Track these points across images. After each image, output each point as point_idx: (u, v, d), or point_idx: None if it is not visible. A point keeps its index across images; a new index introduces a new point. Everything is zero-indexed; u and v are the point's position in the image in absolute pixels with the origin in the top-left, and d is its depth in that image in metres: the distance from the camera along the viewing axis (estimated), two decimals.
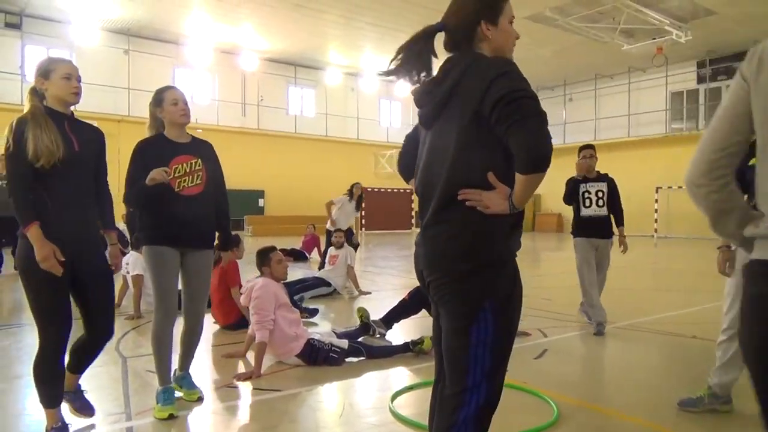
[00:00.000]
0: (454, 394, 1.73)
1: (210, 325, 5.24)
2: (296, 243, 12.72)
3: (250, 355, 4.23)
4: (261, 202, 23.99)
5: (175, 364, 3.45)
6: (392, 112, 28.55)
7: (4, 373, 4.05)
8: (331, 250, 7.84)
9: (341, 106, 26.42)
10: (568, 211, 5.53)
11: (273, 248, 4.48)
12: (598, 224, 5.38)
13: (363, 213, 22.32)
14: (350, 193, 9.30)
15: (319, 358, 4.12)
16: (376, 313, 5.24)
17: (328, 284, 7.45)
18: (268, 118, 24.29)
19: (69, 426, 2.79)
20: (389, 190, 25.38)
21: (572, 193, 5.44)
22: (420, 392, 3.59)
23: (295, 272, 8.49)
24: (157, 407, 3.14)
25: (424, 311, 5.01)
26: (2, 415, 3.24)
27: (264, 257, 4.41)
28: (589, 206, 5.38)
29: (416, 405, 3.36)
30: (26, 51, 19.12)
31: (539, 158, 1.55)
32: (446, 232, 1.72)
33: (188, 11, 18.62)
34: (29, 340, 5.15)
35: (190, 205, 3.20)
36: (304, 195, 24.02)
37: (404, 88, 26.82)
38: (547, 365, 4.30)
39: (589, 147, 5.55)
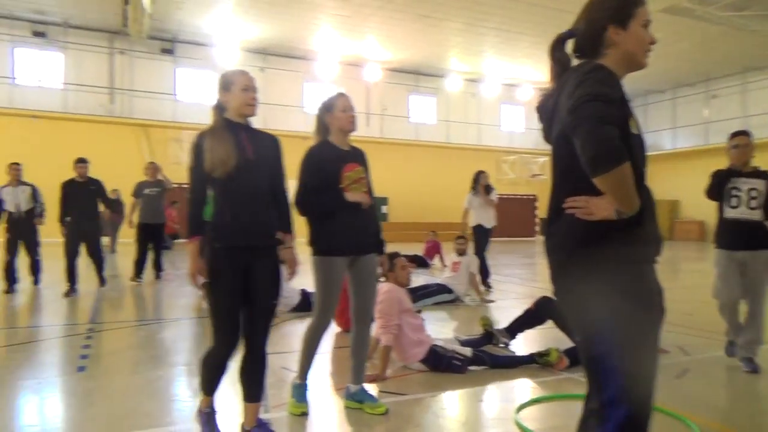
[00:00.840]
0: (593, 409, 1.69)
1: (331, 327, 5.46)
2: (419, 249, 12.88)
3: (376, 357, 4.36)
4: (384, 209, 24.58)
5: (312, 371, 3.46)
6: (514, 117, 27.92)
7: (162, 361, 4.55)
8: (453, 257, 7.85)
9: (462, 113, 26.34)
10: (712, 218, 4.83)
11: (396, 254, 4.58)
12: (745, 231, 4.25)
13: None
14: (475, 183, 8.64)
15: (442, 365, 4.16)
16: (500, 322, 5.16)
17: (450, 291, 7.46)
18: (391, 127, 24.86)
19: (216, 413, 3.03)
20: (512, 197, 24.83)
21: (717, 187, 4.38)
22: (546, 406, 3.49)
23: (418, 278, 8.61)
24: (292, 401, 3.33)
25: (550, 322, 4.85)
26: (159, 398, 3.64)
27: (388, 263, 4.52)
28: (737, 206, 4.29)
29: (543, 419, 3.28)
30: (177, 74, 21.30)
31: (592, 160, 1.54)
32: (553, 244, 1.80)
33: (317, 28, 19.70)
34: (185, 333, 5.73)
35: (359, 213, 3.27)
36: (425, 202, 24.25)
37: (526, 92, 26.21)
38: (688, 386, 3.97)
39: (743, 133, 4.40)
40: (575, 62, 1.82)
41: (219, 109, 2.80)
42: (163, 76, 21.07)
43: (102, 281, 8.30)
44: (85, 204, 7.91)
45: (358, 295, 3.38)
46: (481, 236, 8.59)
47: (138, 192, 9.16)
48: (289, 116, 21.72)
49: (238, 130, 2.79)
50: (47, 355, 4.73)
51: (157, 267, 9.46)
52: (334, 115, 3.29)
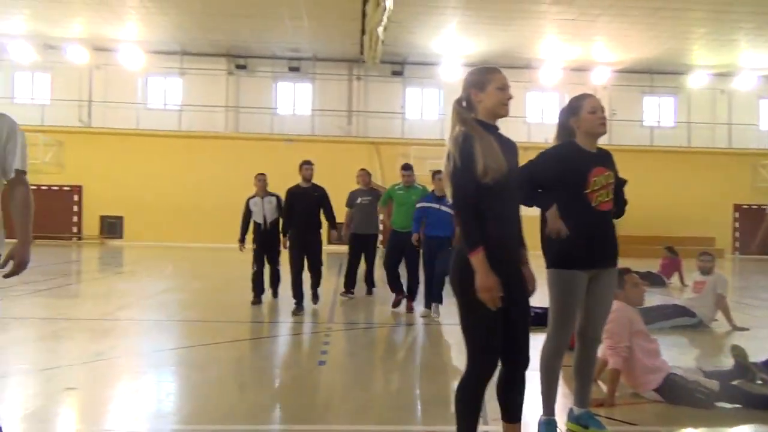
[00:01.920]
0: None
1: None
2: (652, 266, 11.71)
3: (602, 380, 4.10)
4: None
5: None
6: None
7: (393, 361, 4.91)
8: (697, 276, 6.97)
9: (707, 112, 23.25)
10: None
11: (627, 270, 4.24)
12: None
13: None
14: None
15: (682, 397, 3.72)
16: (756, 355, 4.44)
17: (692, 314, 6.63)
18: (621, 132, 23.01)
19: None
20: None
21: None
22: None
23: (652, 298, 7.84)
24: None
25: None
26: (399, 395, 3.91)
27: (618, 279, 4.22)
28: None
29: None
30: (406, 93, 22.85)
31: None
32: None
33: (541, 36, 19.42)
34: (410, 337, 6.08)
35: (604, 222, 3.01)
36: (660, 213, 21.90)
37: None
38: None
39: None
40: None
41: (462, 107, 2.59)
42: (393, 97, 22.75)
43: (315, 298, 7.49)
44: (308, 211, 7.28)
45: (589, 312, 3.10)
46: None
47: (351, 201, 8.63)
48: (510, 127, 21.55)
49: (493, 132, 2.56)
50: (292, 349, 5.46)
51: (369, 282, 8.80)
52: (582, 117, 3.03)
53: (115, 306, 7.73)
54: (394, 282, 7.43)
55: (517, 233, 2.58)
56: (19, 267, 2.49)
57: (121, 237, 21.47)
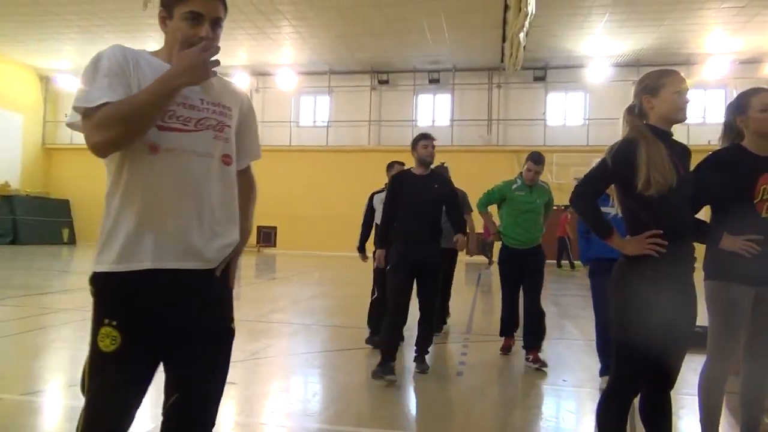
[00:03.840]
0: None
1: None
2: None
3: None
4: None
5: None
6: None
7: (533, 376, 4.74)
8: None
9: None
10: None
11: None
12: None
13: None
14: None
15: None
16: None
17: None
18: None
19: None
20: None
21: None
22: None
23: None
24: None
25: None
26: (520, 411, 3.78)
27: None
28: None
29: None
30: (548, 99, 22.01)
31: None
32: None
33: (703, 28, 17.67)
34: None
35: None
36: None
37: None
38: None
39: None
40: None
41: (634, 114, 2.44)
42: (535, 103, 22.04)
43: (421, 363, 4.78)
44: (424, 209, 4.64)
45: (756, 334, 2.77)
46: None
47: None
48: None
49: (666, 140, 2.36)
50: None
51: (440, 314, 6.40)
52: (750, 116, 2.74)
53: (269, 309, 8.35)
54: (509, 321, 5.41)
55: (689, 248, 2.39)
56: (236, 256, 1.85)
57: (274, 245, 23.23)
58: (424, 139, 4.72)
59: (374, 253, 5.17)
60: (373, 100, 23.25)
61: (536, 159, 5.17)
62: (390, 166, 6.12)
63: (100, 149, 1.55)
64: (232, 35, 19.10)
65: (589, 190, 2.42)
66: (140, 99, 1.53)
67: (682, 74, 2.44)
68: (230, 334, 1.80)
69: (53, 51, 22.00)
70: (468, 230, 5.23)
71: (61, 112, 25.32)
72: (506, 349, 5.47)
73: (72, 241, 24.43)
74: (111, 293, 1.63)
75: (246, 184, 1.95)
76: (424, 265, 4.53)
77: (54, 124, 25.59)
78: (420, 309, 4.70)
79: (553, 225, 13.25)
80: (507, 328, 5.43)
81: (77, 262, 16.34)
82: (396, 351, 4.52)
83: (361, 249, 6.17)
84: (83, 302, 7.24)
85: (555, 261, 16.87)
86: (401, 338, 4.98)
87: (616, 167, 2.32)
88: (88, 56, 1.68)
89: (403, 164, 5.80)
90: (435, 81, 22.52)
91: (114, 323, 1.60)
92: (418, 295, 4.64)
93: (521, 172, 5.31)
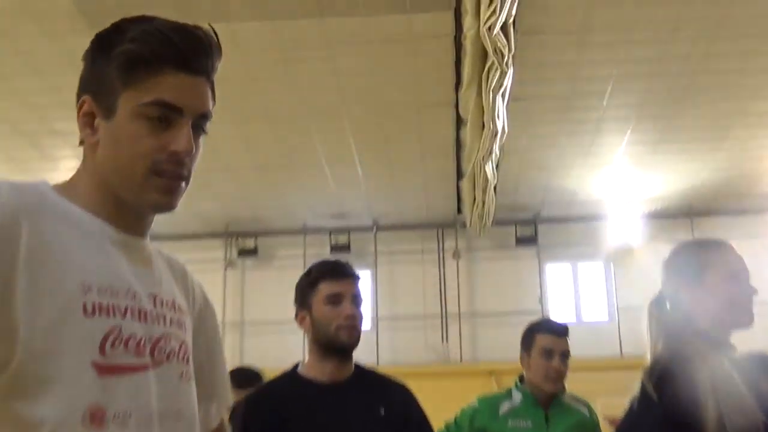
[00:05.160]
0: None
1: None
2: None
3: None
4: None
5: None
6: None
7: None
8: None
9: None
10: None
11: None
12: None
13: None
14: None
15: None
16: None
17: None
18: None
19: None
20: None
21: None
22: None
23: None
24: None
25: None
26: None
27: None
28: None
29: None
30: (545, 272, 13.60)
31: None
32: None
33: None
34: None
35: None
36: None
37: None
38: None
39: None
40: None
41: (671, 312, 1.71)
42: (521, 283, 13.50)
43: None
44: None
45: None
46: None
47: None
48: None
49: (724, 351, 1.62)
50: None
51: None
52: None
53: None
54: None
55: None
56: None
57: None
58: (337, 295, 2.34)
59: None
60: (230, 281, 13.57)
61: (558, 329, 2.78)
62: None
63: None
64: None
65: None
66: None
67: (742, 240, 1.81)
68: None
69: None
70: None
71: None
72: None
73: None
74: None
75: None
76: None
77: None
78: None
79: None
80: None
81: None
82: None
83: None
84: None
85: None
86: None
87: (671, 408, 1.53)
88: None
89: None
90: (342, 248, 13.47)
91: None
92: None
93: (521, 375, 2.91)
